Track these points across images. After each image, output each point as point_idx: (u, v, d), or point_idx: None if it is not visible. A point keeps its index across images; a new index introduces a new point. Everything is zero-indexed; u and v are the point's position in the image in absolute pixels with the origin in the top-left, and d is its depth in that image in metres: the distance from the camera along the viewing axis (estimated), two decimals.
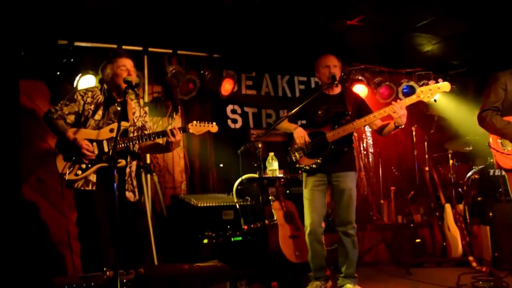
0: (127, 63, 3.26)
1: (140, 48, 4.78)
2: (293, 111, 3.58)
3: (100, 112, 3.22)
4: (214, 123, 3.35)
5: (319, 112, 3.71)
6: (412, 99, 3.39)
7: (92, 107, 3.22)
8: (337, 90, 3.79)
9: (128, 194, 3.29)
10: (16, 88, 4.37)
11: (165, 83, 5.00)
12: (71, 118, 3.20)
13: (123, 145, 3.17)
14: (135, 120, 3.36)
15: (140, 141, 3.22)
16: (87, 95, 3.25)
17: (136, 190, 3.36)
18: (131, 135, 3.28)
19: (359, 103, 3.78)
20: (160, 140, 3.35)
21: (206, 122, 3.33)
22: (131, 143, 3.21)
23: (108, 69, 3.24)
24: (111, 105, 3.26)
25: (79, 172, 3.12)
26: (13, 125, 4.32)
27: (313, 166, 3.64)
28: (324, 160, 3.62)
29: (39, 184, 4.47)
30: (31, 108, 4.51)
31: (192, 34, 4.89)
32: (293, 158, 3.73)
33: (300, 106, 3.55)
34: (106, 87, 3.30)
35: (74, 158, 3.14)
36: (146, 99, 4.89)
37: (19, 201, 4.32)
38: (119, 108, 3.23)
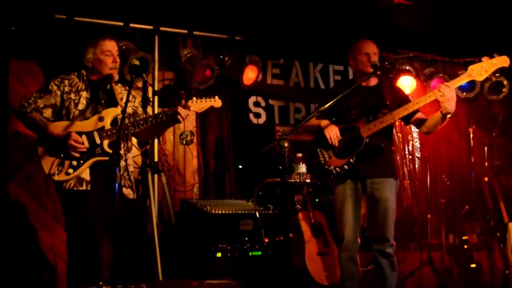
0: (113, 48, 3.26)
1: (151, 27, 4.76)
2: (326, 105, 3.49)
3: (83, 101, 3.21)
4: (217, 97, 3.33)
5: (352, 105, 3.65)
6: (462, 78, 3.36)
7: (73, 96, 3.20)
8: (373, 81, 3.74)
9: (126, 191, 3.26)
10: (6, 69, 4.41)
11: (178, 68, 4.99)
12: (47, 112, 3.17)
13: (116, 134, 3.12)
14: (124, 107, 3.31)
15: (136, 128, 3.19)
16: (64, 84, 3.22)
17: (134, 186, 3.33)
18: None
19: (399, 95, 3.73)
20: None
21: (207, 97, 3.32)
22: (125, 131, 3.18)
23: (90, 53, 3.25)
24: (96, 92, 3.25)
25: (70, 170, 3.09)
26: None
27: (345, 167, 3.57)
28: (358, 159, 3.54)
29: (28, 182, 4.47)
30: (21, 92, 4.52)
31: (211, 12, 4.87)
32: (321, 158, 3.67)
33: (336, 99, 3.46)
34: (85, 73, 3.28)
35: (62, 155, 3.11)
36: (156, 87, 4.89)
37: (5, 202, 4.36)
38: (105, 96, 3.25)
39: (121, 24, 4.60)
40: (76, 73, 3.29)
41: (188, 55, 4.90)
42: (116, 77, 3.30)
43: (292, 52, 5.75)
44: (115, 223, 2.89)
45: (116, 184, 2.70)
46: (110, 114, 3.18)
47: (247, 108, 5.56)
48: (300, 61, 5.86)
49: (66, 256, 4.43)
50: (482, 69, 3.28)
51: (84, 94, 3.22)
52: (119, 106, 3.24)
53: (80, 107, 3.19)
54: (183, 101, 3.24)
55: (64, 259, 4.44)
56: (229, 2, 4.76)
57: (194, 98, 3.29)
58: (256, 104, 5.62)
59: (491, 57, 3.30)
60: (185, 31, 4.92)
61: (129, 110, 3.34)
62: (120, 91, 3.37)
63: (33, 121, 3.15)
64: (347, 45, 3.90)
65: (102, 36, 3.31)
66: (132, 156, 3.44)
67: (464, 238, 5.38)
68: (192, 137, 5.10)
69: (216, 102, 3.32)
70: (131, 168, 3.35)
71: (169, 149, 5.09)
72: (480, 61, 3.34)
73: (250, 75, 5.17)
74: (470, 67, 3.32)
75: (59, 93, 3.19)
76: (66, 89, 3.20)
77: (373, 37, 3.76)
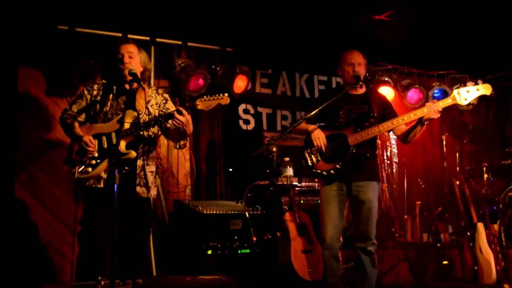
0: (124, 49, 3.24)
1: (147, 38, 4.75)
2: (312, 113, 3.52)
3: (108, 103, 3.24)
4: (226, 94, 3.13)
5: (341, 113, 3.66)
6: (447, 102, 3.38)
7: (99, 98, 3.27)
8: (361, 89, 3.74)
9: (140, 190, 3.26)
10: (15, 75, 4.37)
11: (173, 77, 4.99)
12: (81, 116, 3.29)
13: (131, 135, 3.15)
14: (151, 109, 3.32)
15: (147, 128, 3.19)
16: (93, 88, 3.32)
17: (151, 186, 3.30)
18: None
19: (384, 105, 3.74)
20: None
21: (216, 94, 3.14)
22: (140, 132, 3.18)
23: (110, 60, 3.32)
24: (120, 95, 3.26)
25: (90, 169, 3.16)
26: (10, 115, 4.33)
27: (331, 171, 3.58)
28: (344, 165, 3.56)
29: (30, 182, 4.45)
30: (25, 97, 4.49)
31: (204, 24, 4.88)
32: (309, 161, 3.67)
33: (320, 108, 3.49)
34: (112, 78, 3.33)
35: (83, 155, 3.18)
36: None
37: (11, 200, 4.33)
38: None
39: (120, 35, 4.57)
40: (106, 78, 3.37)
41: (182, 65, 4.88)
42: (126, 73, 3.17)
43: (279, 63, 5.74)
44: (113, 222, 2.85)
45: (115, 185, 2.65)
46: (128, 115, 3.16)
47: (237, 115, 5.53)
48: (287, 72, 5.85)
49: (64, 252, 4.44)
50: (466, 94, 3.32)
51: (109, 97, 3.25)
52: (138, 108, 3.23)
53: (104, 109, 3.24)
54: (188, 104, 3.15)
55: (63, 256, 4.44)
56: (221, 15, 4.76)
57: (204, 96, 3.15)
58: (246, 111, 5.61)
59: (476, 82, 3.31)
60: (180, 42, 4.91)
61: (156, 112, 3.32)
62: (150, 93, 3.36)
63: (64, 125, 3.28)
64: (330, 57, 3.92)
65: (118, 43, 3.33)
66: (154, 156, 3.41)
67: (437, 237, 5.41)
68: (185, 142, 5.06)
69: (224, 100, 3.12)
70: (151, 168, 3.34)
71: (163, 153, 5.07)
72: (454, 78, 3.35)
73: (240, 84, 5.17)
74: (455, 91, 3.36)
75: (89, 97, 3.29)
76: (95, 92, 3.29)
77: (355, 49, 3.78)
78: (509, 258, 4.93)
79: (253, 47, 5.34)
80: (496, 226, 5.02)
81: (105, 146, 3.17)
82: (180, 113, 3.07)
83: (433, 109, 3.34)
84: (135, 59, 3.25)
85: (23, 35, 4.31)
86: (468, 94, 3.32)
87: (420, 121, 3.42)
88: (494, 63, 5.74)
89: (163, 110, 3.36)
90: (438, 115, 3.36)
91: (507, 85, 6.12)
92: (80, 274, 3.18)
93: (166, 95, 3.46)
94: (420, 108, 3.43)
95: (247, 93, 5.39)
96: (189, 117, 3.11)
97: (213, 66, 5.05)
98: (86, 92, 3.30)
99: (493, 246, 4.93)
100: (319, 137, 3.59)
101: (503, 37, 5.27)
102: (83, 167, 3.15)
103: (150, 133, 3.30)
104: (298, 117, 5.70)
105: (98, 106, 3.25)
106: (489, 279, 4.83)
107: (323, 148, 3.58)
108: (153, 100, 3.36)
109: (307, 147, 3.72)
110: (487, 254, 4.91)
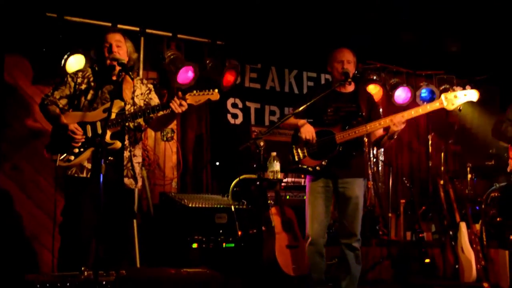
0: (112, 38, 3.18)
1: (137, 29, 4.74)
2: (300, 108, 3.51)
3: (93, 92, 3.17)
4: (216, 90, 3.13)
5: (329, 111, 3.66)
6: (434, 106, 3.40)
7: (83, 87, 3.19)
8: (350, 87, 3.75)
9: (128, 181, 3.22)
10: (1, 63, 4.33)
11: (162, 69, 4.97)
12: (63, 103, 3.19)
13: (117, 125, 3.09)
14: (136, 99, 3.27)
15: (134, 119, 3.14)
16: (77, 76, 3.23)
17: (138, 177, 3.25)
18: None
19: (371, 104, 3.76)
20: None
21: (206, 89, 3.13)
22: (127, 123, 3.14)
23: (95, 49, 3.24)
24: (105, 85, 3.19)
25: (72, 157, 3.07)
26: None
27: (317, 168, 3.59)
28: (330, 162, 3.58)
29: (14, 172, 4.41)
30: (11, 86, 4.46)
31: (194, 17, 4.88)
32: (296, 156, 3.68)
33: (308, 104, 3.49)
34: (96, 66, 3.27)
35: (66, 143, 3.09)
36: None
37: None
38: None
39: (109, 24, 4.54)
40: (91, 67, 3.29)
41: (172, 57, 4.87)
42: (114, 63, 3.10)
43: (269, 58, 5.78)
44: (99, 213, 2.84)
45: (101, 175, 2.64)
46: (115, 105, 3.07)
47: (225, 108, 5.56)
48: (276, 67, 5.89)
49: (49, 243, 4.39)
50: (454, 99, 3.32)
51: (95, 86, 3.18)
52: (125, 98, 3.17)
53: (89, 97, 3.16)
54: (180, 93, 3.08)
55: (46, 247, 4.40)
56: (212, 8, 4.76)
57: (194, 91, 3.11)
58: (234, 105, 5.62)
59: (464, 88, 3.36)
60: (170, 34, 4.90)
61: (141, 102, 3.29)
62: (135, 83, 3.28)
63: (48, 113, 3.18)
64: (320, 54, 3.93)
65: (104, 32, 3.25)
66: (140, 147, 3.36)
67: (420, 235, 5.46)
68: (172, 134, 5.06)
69: (214, 95, 3.12)
70: (138, 159, 3.30)
71: (150, 145, 5.06)
72: (451, 90, 3.37)
73: (229, 78, 5.18)
74: (443, 95, 3.36)
75: (72, 84, 3.20)
76: (79, 80, 3.21)
77: (344, 47, 3.79)
78: (489, 257, 5.00)
79: (243, 41, 5.35)
80: (478, 226, 5.08)
81: (90, 135, 3.10)
82: (181, 104, 3.04)
83: (397, 120, 3.36)
84: (122, 49, 3.19)
85: (10, 22, 4.25)
86: (455, 99, 3.31)
87: (388, 132, 3.45)
88: (480, 64, 5.83)
89: (146, 99, 3.34)
90: (403, 126, 3.38)
91: (492, 87, 6.20)
92: (62, 265, 3.14)
93: (150, 86, 3.42)
94: (389, 117, 3.44)
95: (236, 87, 5.40)
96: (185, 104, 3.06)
97: (203, 59, 5.04)
98: (70, 79, 3.21)
99: (474, 246, 4.99)
100: (309, 131, 3.59)
101: (490, 39, 5.34)
102: (65, 154, 3.07)
103: (136, 124, 3.27)
104: (287, 113, 5.73)
105: (82, 94, 3.17)
106: (470, 278, 4.90)
107: (310, 142, 3.60)
108: (138, 91, 3.32)
109: (294, 142, 3.72)
110: (468, 253, 4.98)
